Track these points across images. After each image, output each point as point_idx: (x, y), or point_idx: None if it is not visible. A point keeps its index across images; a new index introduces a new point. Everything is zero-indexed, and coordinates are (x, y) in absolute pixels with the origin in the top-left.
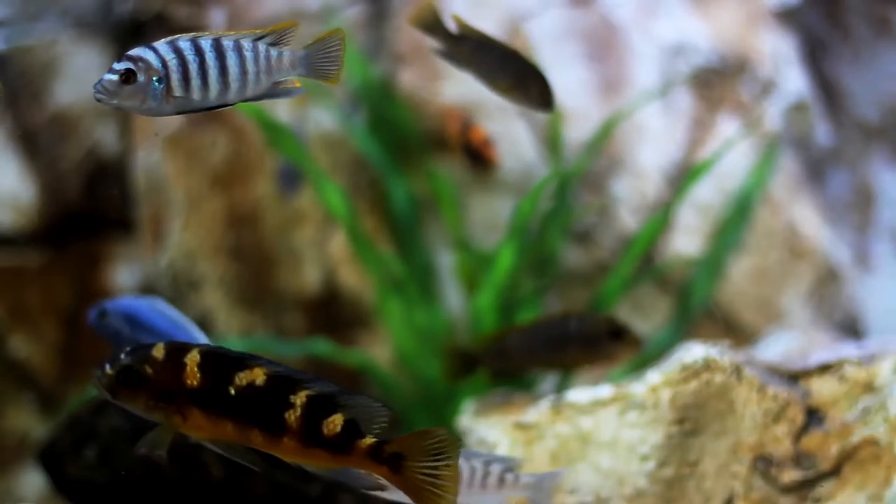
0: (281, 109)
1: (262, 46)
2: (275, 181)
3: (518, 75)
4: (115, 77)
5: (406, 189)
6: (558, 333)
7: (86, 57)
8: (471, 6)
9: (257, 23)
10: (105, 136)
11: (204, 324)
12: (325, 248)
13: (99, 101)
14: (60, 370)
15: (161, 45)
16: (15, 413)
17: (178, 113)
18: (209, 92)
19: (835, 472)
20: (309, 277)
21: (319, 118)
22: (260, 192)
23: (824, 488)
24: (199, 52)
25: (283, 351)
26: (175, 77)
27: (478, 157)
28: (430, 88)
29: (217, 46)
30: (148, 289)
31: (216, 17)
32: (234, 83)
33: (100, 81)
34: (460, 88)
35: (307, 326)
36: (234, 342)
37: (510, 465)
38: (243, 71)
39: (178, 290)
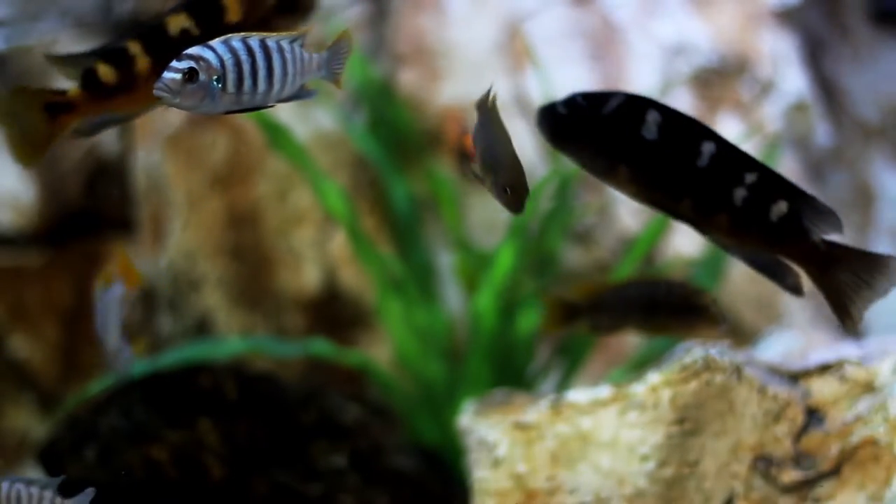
0: (282, 109)
1: (297, 48)
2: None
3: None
4: (178, 76)
5: (406, 189)
6: (648, 297)
7: None
8: (471, 6)
9: None
10: (105, 135)
11: (204, 323)
12: (325, 248)
13: (160, 98)
14: (60, 370)
15: (217, 44)
16: (15, 413)
17: (225, 112)
18: (256, 92)
19: (835, 472)
20: (309, 277)
21: (319, 118)
22: (260, 192)
23: (824, 488)
24: (250, 52)
25: (283, 351)
26: (231, 77)
27: (471, 164)
28: (430, 88)
29: (264, 47)
30: (148, 288)
31: None
32: (276, 84)
33: (162, 80)
34: (460, 88)
35: (307, 326)
36: (234, 342)
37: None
38: (284, 72)
39: (178, 290)
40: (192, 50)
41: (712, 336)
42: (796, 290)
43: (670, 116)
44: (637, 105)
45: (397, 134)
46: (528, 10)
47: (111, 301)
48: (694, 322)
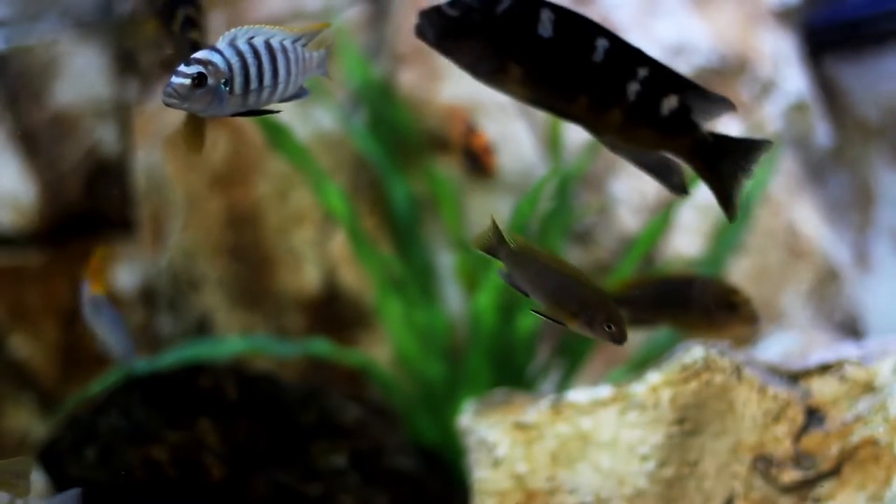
0: (282, 109)
1: (298, 47)
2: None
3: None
4: (187, 81)
5: (406, 189)
6: (681, 293)
7: (86, 57)
8: None
9: (257, 23)
10: (105, 136)
11: (204, 323)
12: (325, 248)
13: (168, 104)
14: (60, 370)
15: (224, 47)
16: (15, 413)
17: (232, 115)
18: (262, 93)
19: (835, 472)
20: (309, 277)
21: (319, 118)
22: (260, 192)
23: (824, 488)
24: (256, 54)
25: (283, 351)
26: (238, 80)
27: (477, 163)
28: (430, 88)
29: (269, 48)
30: (148, 288)
31: (216, 17)
32: (280, 85)
33: (170, 85)
34: (460, 88)
35: (307, 326)
36: (234, 342)
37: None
38: (288, 72)
39: (178, 290)
40: (201, 54)
41: (746, 334)
42: (681, 188)
43: (563, 14)
44: (530, 3)
45: (397, 134)
46: None
47: (97, 300)
48: (728, 320)
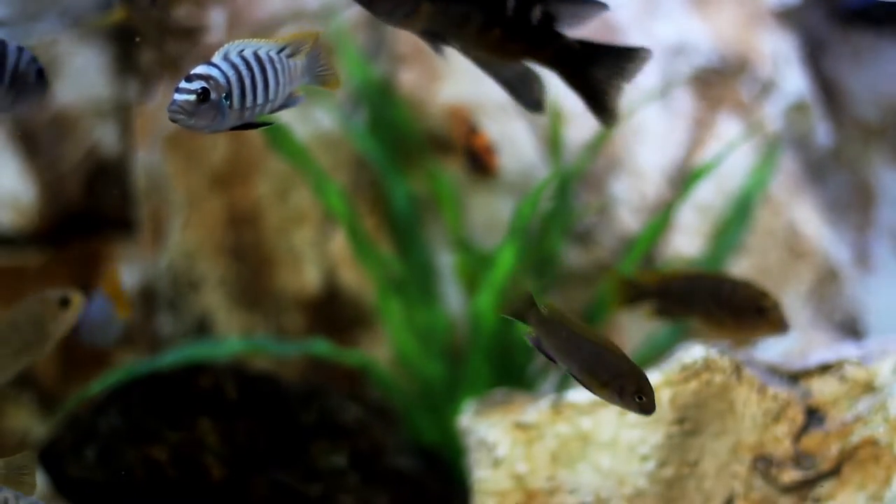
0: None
1: (283, 57)
2: None
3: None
4: (192, 97)
5: (406, 189)
6: (713, 292)
7: (86, 57)
8: None
9: (257, 23)
10: (105, 136)
11: (204, 323)
12: (325, 248)
13: (175, 121)
14: (60, 370)
15: (220, 61)
16: (15, 413)
17: (231, 129)
18: (256, 105)
19: (835, 472)
20: (309, 277)
21: (319, 118)
22: (260, 192)
23: (824, 488)
24: (248, 66)
25: (283, 351)
26: (236, 93)
27: (478, 163)
28: (430, 88)
29: (258, 60)
30: (148, 288)
31: (216, 17)
32: (272, 95)
33: (175, 102)
34: (460, 88)
35: (307, 326)
36: (234, 342)
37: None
38: (277, 83)
39: (178, 290)
40: (199, 69)
41: (775, 336)
42: (536, 106)
43: None
44: None
45: (397, 134)
46: None
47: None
48: (757, 323)
